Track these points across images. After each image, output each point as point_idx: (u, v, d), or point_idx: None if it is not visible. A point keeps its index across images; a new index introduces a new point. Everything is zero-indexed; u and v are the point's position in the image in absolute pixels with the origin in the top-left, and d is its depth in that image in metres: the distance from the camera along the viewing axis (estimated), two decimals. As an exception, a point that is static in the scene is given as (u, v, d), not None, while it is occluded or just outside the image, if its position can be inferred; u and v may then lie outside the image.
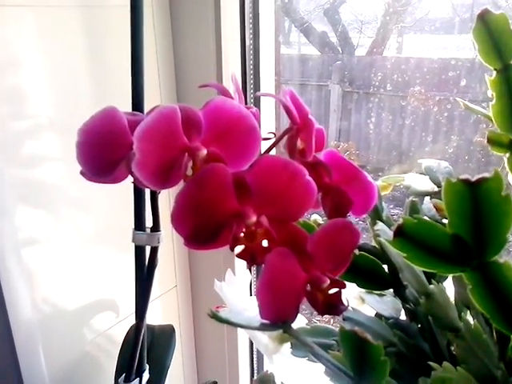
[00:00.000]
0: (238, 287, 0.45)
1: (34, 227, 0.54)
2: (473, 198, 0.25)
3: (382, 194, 0.48)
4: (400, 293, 0.38)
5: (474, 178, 0.25)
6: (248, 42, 0.59)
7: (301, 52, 1.86)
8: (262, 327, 0.28)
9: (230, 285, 0.45)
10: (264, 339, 0.42)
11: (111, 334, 0.63)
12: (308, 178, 0.28)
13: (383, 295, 0.42)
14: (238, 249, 0.28)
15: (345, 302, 0.28)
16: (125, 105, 0.36)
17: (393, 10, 1.56)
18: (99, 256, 0.62)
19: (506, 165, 0.33)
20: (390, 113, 1.56)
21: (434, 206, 0.39)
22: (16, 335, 0.52)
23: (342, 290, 0.29)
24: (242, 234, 0.27)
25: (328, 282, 0.28)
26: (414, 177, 0.44)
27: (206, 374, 0.79)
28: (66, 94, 0.55)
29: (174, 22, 0.60)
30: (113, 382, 0.47)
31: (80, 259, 0.59)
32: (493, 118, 0.33)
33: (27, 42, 0.50)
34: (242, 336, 0.73)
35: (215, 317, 0.27)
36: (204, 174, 0.26)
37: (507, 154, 0.32)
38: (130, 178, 0.32)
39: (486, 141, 0.33)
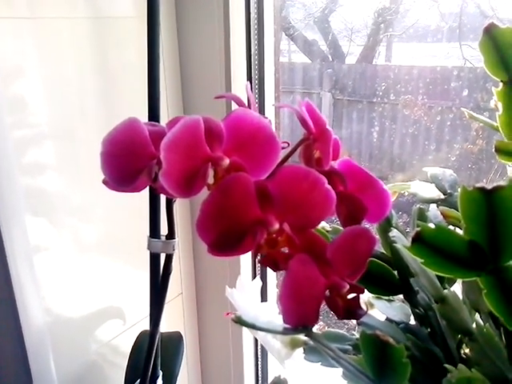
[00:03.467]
0: (249, 294, 0.46)
1: (45, 236, 0.54)
2: (488, 205, 0.26)
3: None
4: (410, 298, 0.39)
5: (489, 186, 0.26)
6: (253, 51, 0.61)
7: (291, 60, 1.88)
8: (285, 331, 0.29)
9: (241, 291, 0.46)
10: (277, 345, 0.43)
11: (119, 340, 0.63)
12: (327, 186, 0.28)
13: (392, 301, 0.43)
14: (260, 256, 0.28)
15: (363, 307, 0.29)
16: (132, 114, 0.36)
17: (382, 19, 1.58)
18: (107, 264, 0.62)
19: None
20: (381, 120, 1.58)
21: (442, 213, 0.40)
22: (27, 341, 0.52)
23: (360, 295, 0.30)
24: (263, 241, 0.28)
25: (347, 287, 0.29)
26: (419, 185, 0.45)
27: (210, 381, 0.79)
28: (72, 104, 0.56)
29: (180, 33, 0.61)
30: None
31: (88, 267, 0.60)
32: (500, 128, 0.34)
33: (38, 52, 0.51)
34: (247, 343, 0.73)
35: (240, 321, 0.28)
36: (228, 183, 0.27)
37: (514, 163, 0.34)
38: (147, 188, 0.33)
39: (493, 149, 0.34)
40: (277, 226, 0.27)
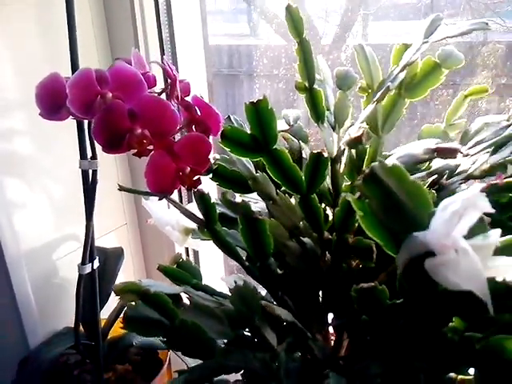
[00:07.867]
0: (159, 204, 0.65)
1: (18, 190, 0.73)
2: (256, 112, 0.44)
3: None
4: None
5: (255, 100, 0.44)
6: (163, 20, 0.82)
7: (270, 43, 2.02)
8: (152, 195, 0.47)
9: (153, 203, 0.64)
10: (176, 233, 0.62)
11: (76, 254, 0.83)
12: (173, 108, 0.47)
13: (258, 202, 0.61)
14: (133, 151, 0.47)
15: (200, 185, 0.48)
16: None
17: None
18: (67, 207, 0.81)
19: (304, 101, 0.52)
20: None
21: (282, 136, 0.58)
22: (8, 262, 0.72)
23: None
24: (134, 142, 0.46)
25: (188, 169, 0.47)
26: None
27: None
28: (27, 76, 0.74)
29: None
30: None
31: (53, 210, 0.79)
32: (298, 73, 0.53)
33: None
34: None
35: (122, 188, 0.46)
36: (110, 106, 0.45)
37: (304, 95, 0.52)
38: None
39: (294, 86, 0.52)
40: (139, 131, 0.46)
